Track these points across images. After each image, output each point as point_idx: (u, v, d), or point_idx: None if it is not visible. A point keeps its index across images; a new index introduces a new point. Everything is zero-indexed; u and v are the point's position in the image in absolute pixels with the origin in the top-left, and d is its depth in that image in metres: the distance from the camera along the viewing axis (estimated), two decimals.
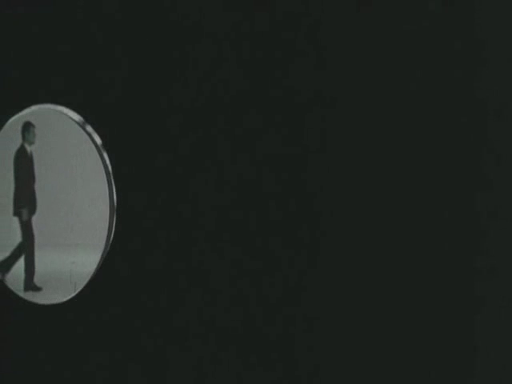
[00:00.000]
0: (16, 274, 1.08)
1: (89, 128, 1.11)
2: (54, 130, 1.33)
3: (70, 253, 1.28)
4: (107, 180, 0.99)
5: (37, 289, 1.16)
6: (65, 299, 1.02)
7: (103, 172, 1.01)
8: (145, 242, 0.67)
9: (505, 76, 0.48)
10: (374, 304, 0.51)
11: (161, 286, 0.60)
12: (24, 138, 1.20)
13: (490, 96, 0.48)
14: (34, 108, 1.08)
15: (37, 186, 1.22)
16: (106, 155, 0.95)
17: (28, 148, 1.23)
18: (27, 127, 1.21)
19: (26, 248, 1.28)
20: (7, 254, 1.10)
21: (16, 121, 1.10)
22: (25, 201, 1.25)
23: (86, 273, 1.25)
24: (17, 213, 1.22)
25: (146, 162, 0.65)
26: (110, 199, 1.04)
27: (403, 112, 0.50)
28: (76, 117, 1.15)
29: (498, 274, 0.49)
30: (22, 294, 1.02)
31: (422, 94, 0.49)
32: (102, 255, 1.07)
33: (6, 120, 0.94)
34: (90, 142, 1.03)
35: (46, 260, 1.29)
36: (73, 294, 1.12)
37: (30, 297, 1.00)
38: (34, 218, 1.13)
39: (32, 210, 1.18)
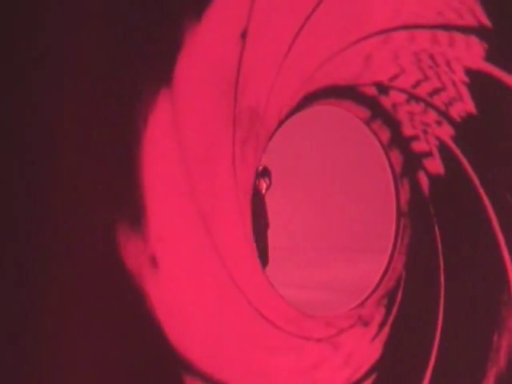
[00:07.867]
0: None
1: (375, 125, 1.15)
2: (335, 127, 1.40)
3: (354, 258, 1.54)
4: (394, 182, 1.08)
5: None
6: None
7: (389, 174, 1.08)
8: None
9: None
10: None
11: None
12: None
13: None
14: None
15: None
16: (392, 155, 1.06)
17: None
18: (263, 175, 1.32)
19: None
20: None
21: None
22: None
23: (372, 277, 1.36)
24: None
25: None
26: (397, 202, 1.10)
27: None
28: (361, 114, 1.13)
29: None
30: None
31: None
32: (389, 260, 1.21)
33: None
34: (375, 140, 1.11)
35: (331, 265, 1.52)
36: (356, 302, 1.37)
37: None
38: (318, 220, 1.56)
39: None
